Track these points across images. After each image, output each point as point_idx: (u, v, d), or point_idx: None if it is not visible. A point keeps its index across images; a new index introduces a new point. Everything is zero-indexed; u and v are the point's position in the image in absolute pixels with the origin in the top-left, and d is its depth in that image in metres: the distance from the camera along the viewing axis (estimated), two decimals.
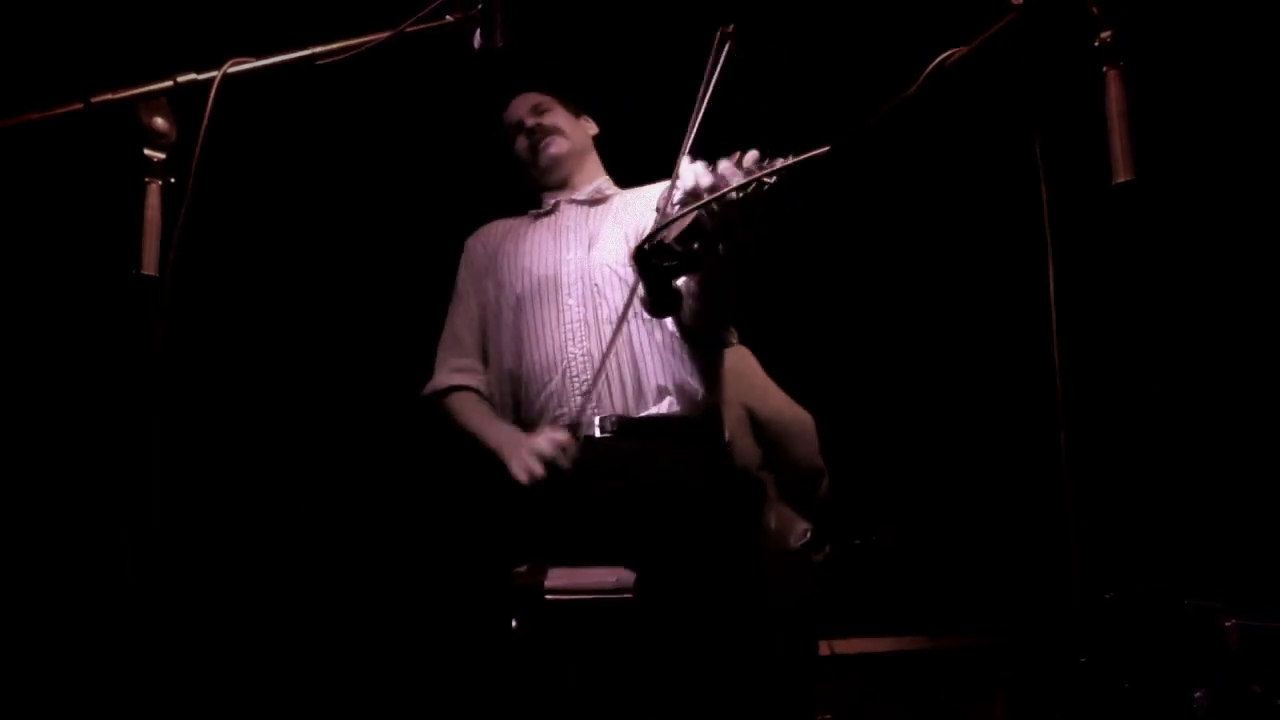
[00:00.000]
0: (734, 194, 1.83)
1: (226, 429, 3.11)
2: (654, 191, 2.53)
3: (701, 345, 2.45)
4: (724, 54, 2.00)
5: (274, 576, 3.03)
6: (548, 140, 2.68)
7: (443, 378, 2.64)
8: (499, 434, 2.45)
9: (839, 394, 3.28)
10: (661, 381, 2.43)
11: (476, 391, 2.60)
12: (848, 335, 3.58)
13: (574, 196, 2.68)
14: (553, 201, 2.70)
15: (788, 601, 2.79)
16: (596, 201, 2.67)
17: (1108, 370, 3.04)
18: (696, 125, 2.02)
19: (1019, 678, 3.02)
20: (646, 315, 2.45)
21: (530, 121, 2.68)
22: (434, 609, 2.09)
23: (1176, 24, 2.70)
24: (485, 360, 2.64)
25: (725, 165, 1.86)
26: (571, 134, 2.71)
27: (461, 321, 2.69)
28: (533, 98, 2.74)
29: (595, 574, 2.19)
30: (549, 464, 2.27)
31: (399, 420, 2.68)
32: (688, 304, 2.31)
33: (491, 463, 2.35)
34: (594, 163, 2.75)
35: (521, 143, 2.70)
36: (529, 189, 2.75)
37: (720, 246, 1.93)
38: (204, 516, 2.95)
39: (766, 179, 1.82)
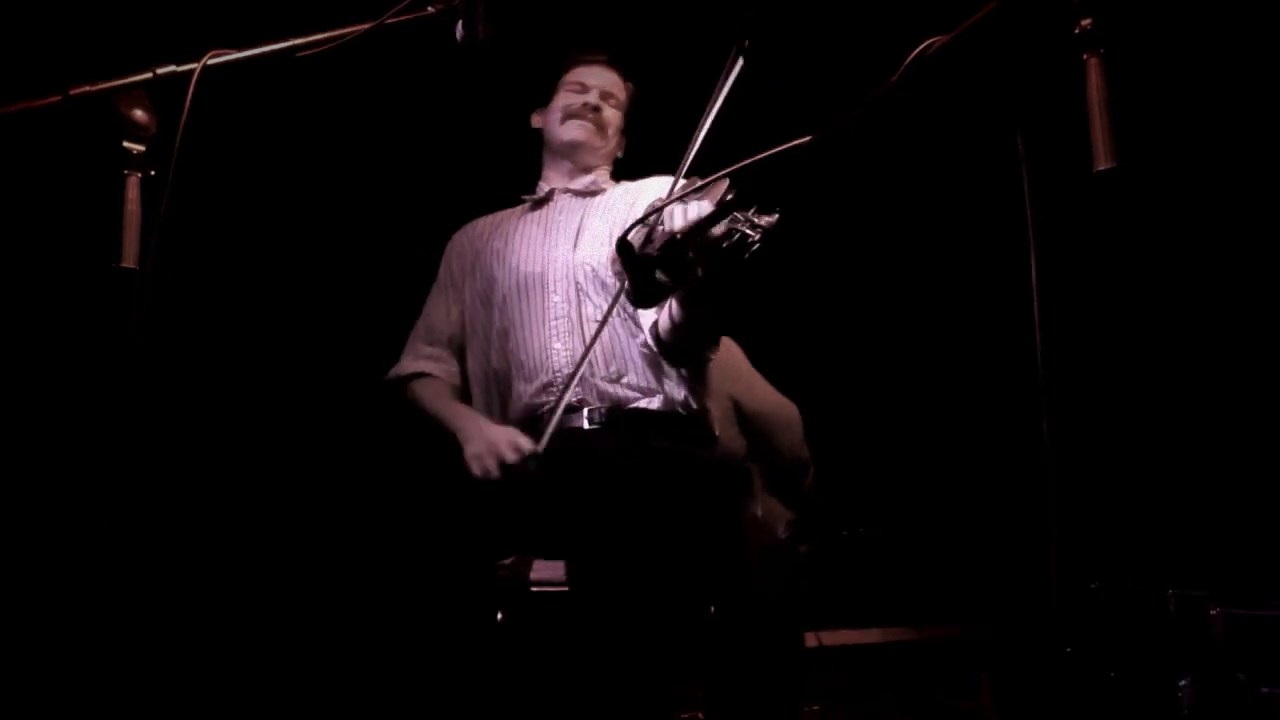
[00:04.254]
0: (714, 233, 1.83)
1: (208, 422, 3.10)
2: (649, 187, 2.53)
3: (677, 362, 2.45)
4: (737, 67, 1.99)
5: (258, 570, 3.02)
6: (600, 132, 2.67)
7: (408, 363, 2.65)
8: (460, 417, 2.46)
9: (824, 386, 3.28)
10: (647, 382, 2.44)
11: (439, 379, 2.62)
12: (832, 327, 3.58)
13: (570, 185, 2.68)
14: (547, 189, 2.69)
15: (774, 593, 2.79)
16: (590, 193, 2.66)
17: (1091, 360, 3.05)
18: (703, 134, 2.01)
19: (1005, 668, 3.03)
20: (628, 313, 2.45)
21: (594, 101, 2.65)
22: (420, 602, 2.08)
23: (1156, 11, 2.70)
24: (456, 353, 2.65)
25: (706, 205, 1.86)
26: (613, 138, 2.71)
27: (437, 313, 2.70)
28: (615, 78, 2.72)
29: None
30: (507, 470, 2.26)
31: (385, 413, 2.67)
32: (665, 324, 2.32)
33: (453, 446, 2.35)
34: (608, 164, 2.75)
35: (574, 106, 2.65)
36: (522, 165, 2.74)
37: (698, 267, 1.92)
38: (186, 509, 2.94)
39: (742, 225, 1.82)
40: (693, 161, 2.07)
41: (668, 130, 2.71)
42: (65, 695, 2.62)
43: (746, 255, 1.84)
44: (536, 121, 2.75)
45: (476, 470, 2.30)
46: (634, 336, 2.46)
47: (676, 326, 2.29)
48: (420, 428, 2.54)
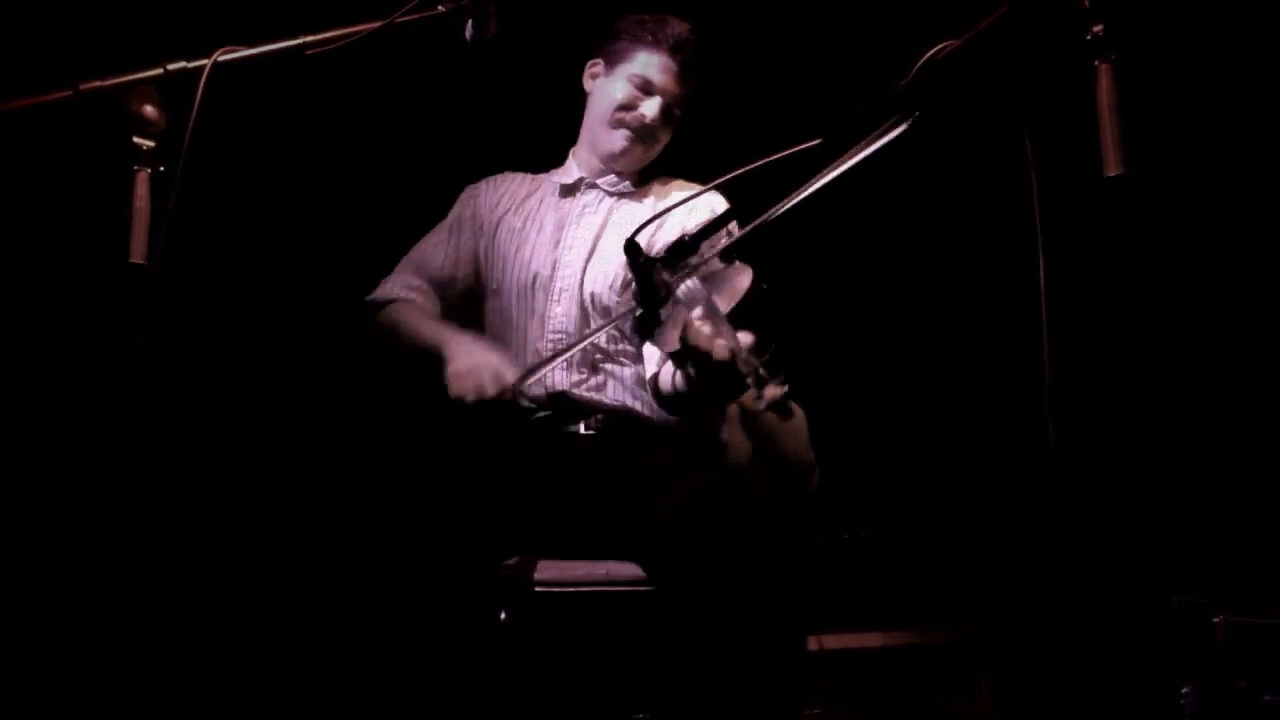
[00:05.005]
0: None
1: (214, 418, 3.09)
2: (679, 209, 2.35)
3: (674, 415, 2.38)
4: (891, 135, 1.88)
5: (260, 568, 3.02)
6: (646, 151, 2.51)
7: (391, 288, 2.56)
8: (446, 334, 2.34)
9: (828, 389, 3.28)
10: (645, 411, 2.42)
11: (422, 305, 2.52)
12: (837, 329, 3.58)
13: (599, 181, 2.56)
14: (577, 176, 2.57)
15: (776, 595, 2.79)
16: (620, 195, 2.56)
17: (1096, 366, 3.05)
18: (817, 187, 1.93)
19: (1006, 672, 3.03)
20: (631, 342, 2.42)
21: (652, 119, 2.45)
22: (422, 601, 2.08)
23: (1168, 17, 2.70)
24: (442, 297, 2.56)
25: (720, 347, 1.72)
26: (659, 149, 2.55)
27: (434, 251, 2.60)
28: (688, 89, 2.48)
29: (585, 566, 2.19)
30: (483, 401, 2.16)
31: (389, 412, 2.67)
32: (666, 386, 2.25)
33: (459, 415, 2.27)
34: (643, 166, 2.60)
35: (630, 117, 2.46)
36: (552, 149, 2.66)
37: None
38: (186, 508, 2.94)
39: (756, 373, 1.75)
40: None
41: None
42: (65, 695, 2.62)
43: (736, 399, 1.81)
44: (589, 80, 2.55)
45: (455, 389, 2.19)
46: (636, 360, 2.43)
47: (673, 394, 2.23)
48: (391, 351, 2.47)
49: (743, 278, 1.76)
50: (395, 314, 2.50)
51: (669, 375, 2.22)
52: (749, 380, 1.64)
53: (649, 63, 2.44)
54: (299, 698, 2.73)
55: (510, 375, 2.20)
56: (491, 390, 2.17)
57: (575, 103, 2.65)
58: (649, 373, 2.36)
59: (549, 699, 2.18)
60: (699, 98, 2.57)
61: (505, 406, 2.20)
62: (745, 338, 1.64)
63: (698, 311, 1.70)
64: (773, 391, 1.64)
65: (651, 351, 2.36)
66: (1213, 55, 2.93)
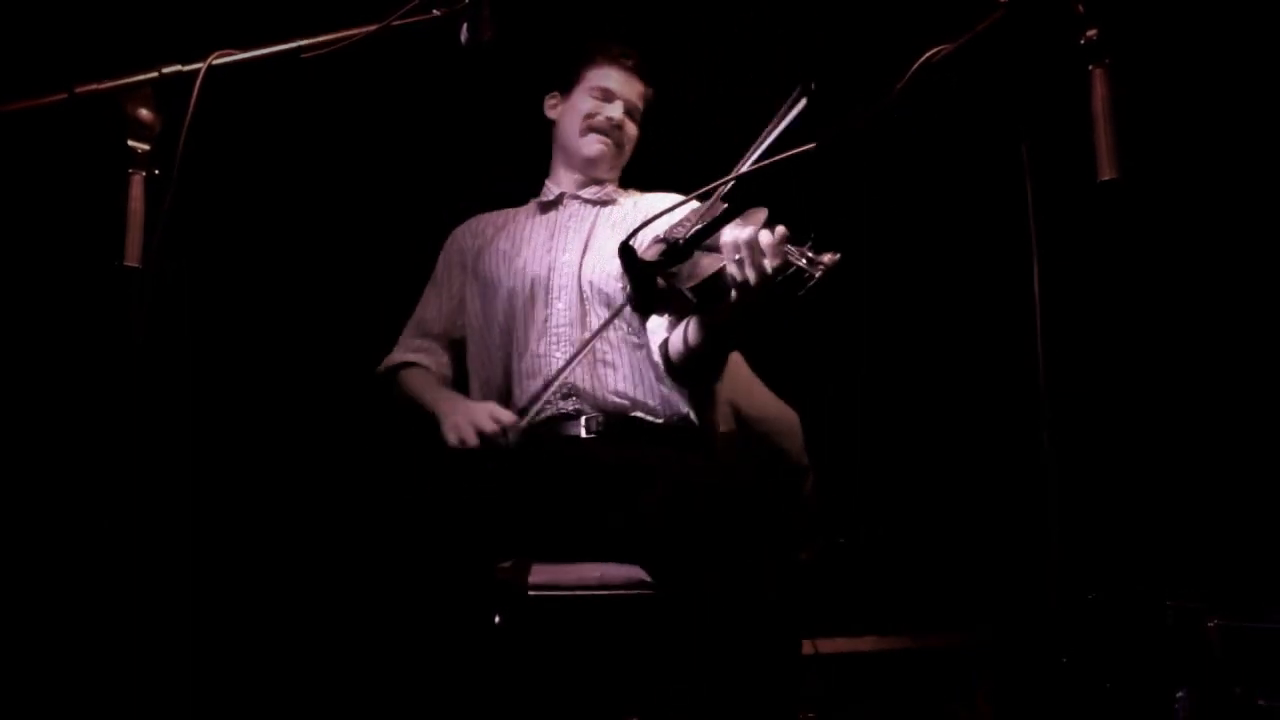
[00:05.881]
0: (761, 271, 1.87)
1: (208, 421, 3.09)
2: (660, 203, 2.43)
3: (681, 383, 2.43)
4: (798, 108, 1.98)
5: (257, 569, 3.02)
6: (619, 149, 2.63)
7: (397, 355, 2.65)
8: (440, 398, 2.46)
9: (824, 392, 3.28)
10: (648, 397, 2.43)
11: (427, 369, 2.61)
12: (833, 333, 3.58)
13: (579, 193, 2.65)
14: (557, 193, 2.66)
15: (772, 599, 2.79)
16: (601, 203, 2.64)
17: (1091, 370, 3.05)
18: (749, 164, 2.00)
19: (1001, 678, 3.02)
20: (632, 327, 2.43)
21: (618, 118, 2.59)
22: (417, 604, 2.08)
23: (1162, 22, 2.71)
24: (448, 347, 2.65)
25: (765, 238, 1.87)
26: (628, 152, 2.67)
27: (431, 307, 2.68)
28: (641, 89, 2.64)
29: (579, 570, 2.19)
30: (486, 440, 2.25)
31: (385, 412, 2.67)
32: (677, 346, 2.28)
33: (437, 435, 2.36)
34: (618, 173, 2.71)
35: (598, 120, 2.59)
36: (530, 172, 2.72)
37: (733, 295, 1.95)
38: (186, 509, 2.94)
39: (804, 267, 1.84)
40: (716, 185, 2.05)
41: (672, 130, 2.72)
42: (65, 695, 2.62)
43: (801, 291, 1.85)
44: (551, 110, 2.69)
45: (453, 438, 2.29)
46: (636, 349, 2.45)
47: (691, 351, 2.23)
48: (408, 419, 2.53)
49: (759, 214, 1.93)
50: (402, 383, 2.61)
51: (680, 334, 2.26)
52: (801, 261, 1.82)
53: (604, 75, 2.62)
54: (296, 700, 2.73)
55: (505, 414, 2.30)
56: (489, 426, 2.26)
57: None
58: (656, 342, 2.38)
59: (543, 703, 2.18)
60: (682, 102, 2.80)
61: (505, 444, 2.26)
62: (781, 229, 1.88)
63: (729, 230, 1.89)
64: (831, 257, 1.81)
65: (655, 325, 2.39)
66: (1208, 59, 2.93)
